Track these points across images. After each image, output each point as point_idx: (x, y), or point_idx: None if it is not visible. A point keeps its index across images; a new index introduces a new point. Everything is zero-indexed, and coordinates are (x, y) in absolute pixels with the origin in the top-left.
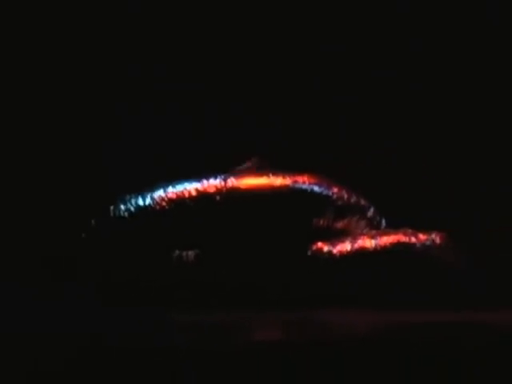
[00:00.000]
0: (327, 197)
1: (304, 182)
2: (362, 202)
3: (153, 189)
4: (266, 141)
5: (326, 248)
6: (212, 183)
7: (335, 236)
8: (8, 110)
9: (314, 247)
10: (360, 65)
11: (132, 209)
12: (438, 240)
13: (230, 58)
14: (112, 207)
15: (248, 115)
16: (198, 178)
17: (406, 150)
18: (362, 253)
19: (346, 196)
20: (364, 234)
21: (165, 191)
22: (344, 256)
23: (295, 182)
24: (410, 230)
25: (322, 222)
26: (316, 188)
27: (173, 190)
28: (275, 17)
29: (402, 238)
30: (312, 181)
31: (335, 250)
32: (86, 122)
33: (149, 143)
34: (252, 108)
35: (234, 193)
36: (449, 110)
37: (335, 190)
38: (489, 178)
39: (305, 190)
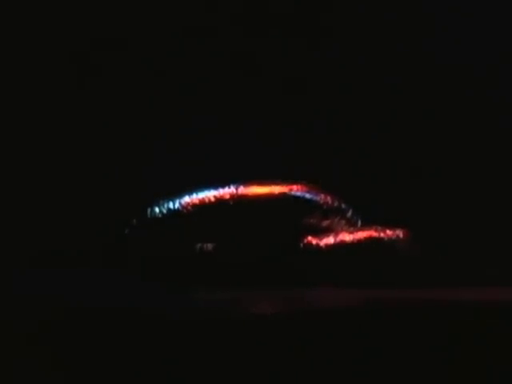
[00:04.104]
0: (315, 201)
1: (297, 190)
2: (343, 205)
3: (180, 195)
4: (270, 157)
5: (314, 241)
6: (227, 191)
7: (322, 232)
8: (60, 114)
9: (305, 240)
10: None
11: (164, 211)
12: (401, 235)
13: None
14: (149, 209)
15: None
16: (215, 186)
17: (376, 165)
18: (342, 245)
19: (330, 201)
20: (344, 231)
21: (190, 197)
22: (328, 247)
23: (291, 189)
24: (379, 227)
25: (311, 221)
26: (307, 195)
27: (196, 197)
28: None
29: (374, 233)
30: (304, 189)
31: (321, 243)
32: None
33: (178, 160)
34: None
35: (244, 198)
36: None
37: (322, 196)
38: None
39: (298, 196)
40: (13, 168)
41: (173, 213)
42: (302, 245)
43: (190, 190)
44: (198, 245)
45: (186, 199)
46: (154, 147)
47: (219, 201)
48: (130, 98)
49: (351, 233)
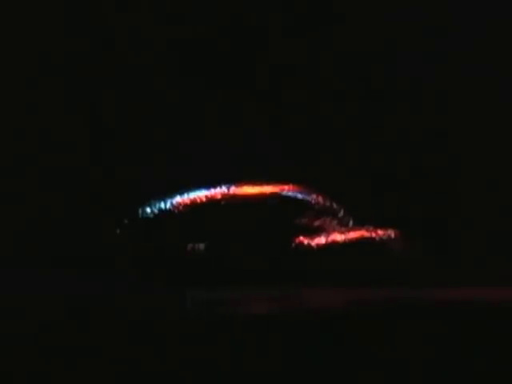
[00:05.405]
0: (307, 201)
1: (289, 189)
2: (334, 205)
3: (172, 195)
4: (262, 157)
5: (306, 241)
6: (218, 191)
7: (313, 232)
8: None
9: (297, 240)
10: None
11: (156, 211)
12: (392, 235)
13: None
14: (140, 210)
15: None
16: (207, 186)
17: (368, 165)
18: (333, 245)
19: (321, 201)
20: (335, 231)
21: (181, 197)
22: (320, 247)
23: (282, 189)
24: (371, 227)
25: (303, 221)
26: (298, 195)
27: (187, 197)
28: None
29: (365, 233)
30: (295, 189)
31: (313, 243)
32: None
33: (169, 160)
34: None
35: (235, 198)
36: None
37: (313, 196)
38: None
39: (289, 196)
40: (8, 167)
41: (164, 213)
42: (293, 245)
43: (182, 190)
44: (190, 245)
45: (178, 199)
46: (146, 147)
47: (211, 201)
48: (126, 97)
49: (343, 233)
